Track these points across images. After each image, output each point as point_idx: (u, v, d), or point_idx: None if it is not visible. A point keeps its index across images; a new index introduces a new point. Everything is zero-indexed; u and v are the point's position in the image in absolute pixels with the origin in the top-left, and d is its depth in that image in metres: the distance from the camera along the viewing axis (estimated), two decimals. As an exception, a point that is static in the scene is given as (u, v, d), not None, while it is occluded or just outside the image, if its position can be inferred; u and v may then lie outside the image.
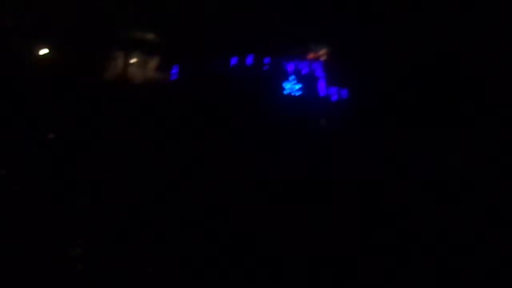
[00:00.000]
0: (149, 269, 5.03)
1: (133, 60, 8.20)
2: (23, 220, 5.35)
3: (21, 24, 7.22)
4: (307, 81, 8.11)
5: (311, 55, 8.21)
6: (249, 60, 8.12)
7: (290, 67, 8.14)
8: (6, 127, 6.47)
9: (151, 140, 7.43)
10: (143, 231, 5.68)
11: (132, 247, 5.35)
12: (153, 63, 8.29)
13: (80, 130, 7.15)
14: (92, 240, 5.33)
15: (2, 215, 5.32)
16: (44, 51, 7.39)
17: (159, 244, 5.48)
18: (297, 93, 8.09)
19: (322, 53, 8.18)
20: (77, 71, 7.54)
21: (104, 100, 7.59)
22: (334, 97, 8.08)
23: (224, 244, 5.45)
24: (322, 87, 8.11)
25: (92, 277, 4.82)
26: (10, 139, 6.33)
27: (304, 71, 8.15)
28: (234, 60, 8.17)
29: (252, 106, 7.74)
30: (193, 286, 4.95)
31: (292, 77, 8.12)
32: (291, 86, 8.10)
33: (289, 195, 6.83)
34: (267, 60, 8.19)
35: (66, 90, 7.43)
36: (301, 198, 6.72)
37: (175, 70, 8.29)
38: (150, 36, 8.33)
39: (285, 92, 8.09)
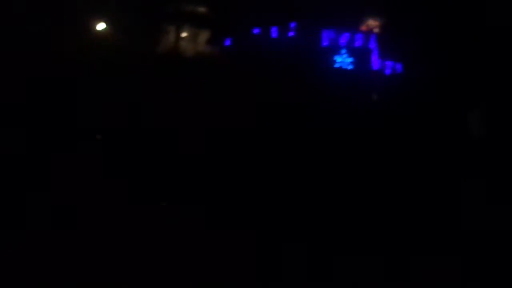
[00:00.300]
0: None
1: (184, 34, 8.26)
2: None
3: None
4: (359, 54, 7.85)
5: (363, 27, 7.91)
6: (300, 32, 7.95)
7: (342, 39, 7.89)
8: (63, 101, 6.80)
9: (203, 114, 7.56)
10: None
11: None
12: (204, 36, 8.32)
13: (133, 106, 7.38)
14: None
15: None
16: (99, 26, 7.62)
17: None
18: (349, 67, 7.86)
19: (375, 25, 7.86)
20: (130, 45, 7.71)
21: (157, 74, 7.76)
22: (388, 71, 7.79)
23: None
24: (375, 60, 7.83)
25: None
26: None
27: (356, 44, 7.88)
28: (285, 31, 8.04)
29: (303, 79, 7.63)
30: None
31: (343, 50, 7.89)
32: (343, 59, 7.88)
33: (336, 171, 6.78)
34: (318, 32, 7.97)
35: (120, 65, 7.65)
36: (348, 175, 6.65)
37: (226, 42, 8.28)
38: (200, 9, 8.34)
39: (336, 65, 7.89)
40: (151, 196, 5.88)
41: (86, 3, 7.71)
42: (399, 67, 7.73)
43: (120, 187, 5.92)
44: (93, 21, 7.78)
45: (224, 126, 7.55)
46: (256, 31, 8.30)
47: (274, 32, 8.22)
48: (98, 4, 7.84)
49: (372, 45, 7.85)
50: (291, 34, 8.10)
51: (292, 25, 8.12)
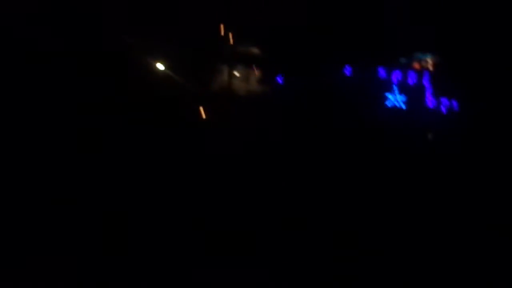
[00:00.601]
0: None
1: (237, 73, 8.50)
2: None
3: (139, 41, 7.84)
4: (412, 92, 7.80)
5: (416, 65, 7.90)
6: (352, 69, 8.02)
7: (394, 77, 7.89)
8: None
9: (255, 150, 7.66)
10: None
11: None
12: (256, 75, 8.52)
13: (186, 138, 7.58)
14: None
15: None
16: (158, 65, 7.95)
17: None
18: (401, 105, 7.81)
19: (429, 63, 7.83)
20: (186, 83, 7.99)
21: (210, 111, 7.98)
22: (442, 110, 7.69)
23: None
24: (428, 98, 7.75)
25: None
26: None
27: (409, 82, 7.85)
28: (337, 70, 8.13)
29: (355, 117, 7.63)
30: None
31: (395, 88, 7.86)
32: (395, 97, 7.84)
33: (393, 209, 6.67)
34: (370, 69, 8.02)
35: (174, 101, 7.92)
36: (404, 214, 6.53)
37: (277, 81, 8.43)
38: (253, 50, 8.59)
39: (388, 103, 7.85)
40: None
41: (145, 43, 8.12)
42: (455, 104, 7.61)
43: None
44: (152, 61, 8.13)
45: (277, 163, 7.63)
46: (307, 70, 8.43)
47: (326, 70, 8.32)
48: (156, 44, 8.23)
49: (426, 82, 7.79)
50: (343, 72, 8.17)
51: (345, 63, 8.21)
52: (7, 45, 7.08)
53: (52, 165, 6.75)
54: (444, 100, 7.66)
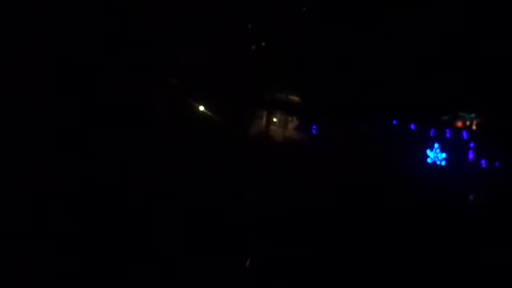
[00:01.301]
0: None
1: (275, 119, 8.56)
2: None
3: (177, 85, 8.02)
4: (454, 150, 7.72)
5: (459, 124, 7.85)
6: (393, 125, 8.00)
7: (435, 134, 7.83)
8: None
9: (288, 198, 7.59)
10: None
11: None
12: (294, 123, 8.57)
13: (223, 182, 7.57)
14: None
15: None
16: (200, 108, 8.07)
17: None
18: (442, 162, 7.71)
19: (473, 122, 7.78)
20: (224, 127, 8.07)
21: (246, 156, 8.00)
22: (483, 168, 7.56)
23: None
24: (469, 157, 7.65)
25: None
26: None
27: (451, 139, 7.78)
28: (376, 124, 8.12)
29: (395, 173, 7.54)
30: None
31: (436, 145, 7.79)
32: (436, 154, 7.75)
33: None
34: (411, 125, 7.99)
35: (213, 144, 7.98)
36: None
37: (314, 131, 8.45)
38: (292, 97, 8.68)
39: (429, 160, 7.76)
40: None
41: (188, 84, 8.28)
42: (496, 165, 7.49)
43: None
44: (193, 102, 8.27)
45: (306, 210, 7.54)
46: (343, 121, 8.45)
47: (364, 123, 8.32)
48: (197, 88, 8.39)
49: (467, 140, 7.72)
50: (383, 125, 8.16)
51: (385, 117, 8.21)
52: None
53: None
54: (485, 161, 7.53)
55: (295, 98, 8.68)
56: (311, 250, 6.61)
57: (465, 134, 7.74)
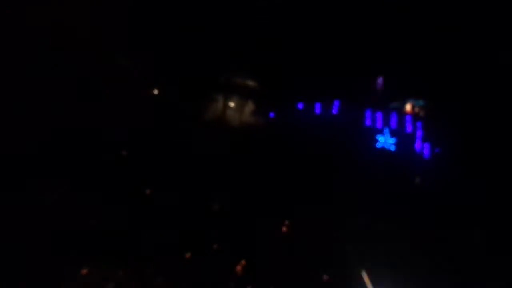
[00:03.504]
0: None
1: (232, 104, 8.59)
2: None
3: (136, 68, 7.89)
4: (402, 136, 8.00)
5: (409, 111, 8.13)
6: (344, 109, 8.21)
7: (386, 120, 8.09)
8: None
9: (244, 180, 7.69)
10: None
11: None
12: (250, 107, 8.63)
13: (178, 166, 7.57)
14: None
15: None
16: (154, 92, 7.99)
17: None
18: (391, 147, 7.99)
19: (421, 109, 8.07)
20: (181, 111, 8.05)
21: (204, 140, 8.01)
22: (429, 154, 7.89)
23: None
24: (417, 143, 7.96)
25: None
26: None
27: (400, 126, 8.06)
28: (330, 108, 8.30)
29: (345, 156, 7.76)
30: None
31: (386, 131, 8.05)
32: (385, 140, 8.02)
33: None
34: (364, 111, 8.21)
35: (169, 128, 7.94)
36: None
37: (271, 115, 8.54)
38: (249, 82, 8.71)
39: (378, 145, 8.02)
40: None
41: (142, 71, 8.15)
42: (439, 150, 7.84)
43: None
44: (149, 87, 8.18)
45: (262, 193, 7.68)
46: (300, 106, 8.57)
47: (318, 108, 8.48)
48: (153, 70, 8.28)
49: (415, 127, 8.02)
50: (334, 111, 8.33)
51: (336, 103, 8.38)
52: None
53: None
54: (431, 144, 7.86)
55: (252, 83, 8.71)
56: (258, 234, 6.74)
57: (413, 121, 8.02)
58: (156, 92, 8.09)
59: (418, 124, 8.06)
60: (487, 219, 7.05)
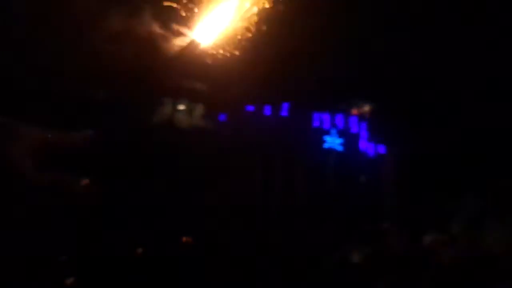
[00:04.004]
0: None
1: (180, 107, 8.53)
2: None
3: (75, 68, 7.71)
4: (349, 136, 8.21)
5: (355, 111, 8.34)
6: (293, 111, 8.34)
7: (333, 121, 8.28)
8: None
9: (193, 184, 7.68)
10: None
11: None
12: (199, 110, 8.60)
13: (127, 172, 7.47)
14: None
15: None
16: (96, 93, 7.81)
17: None
18: (338, 148, 8.19)
19: (366, 109, 8.30)
20: (127, 114, 7.93)
21: (151, 144, 7.93)
22: (374, 153, 8.14)
23: None
24: (363, 143, 8.19)
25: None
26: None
27: (347, 126, 8.27)
28: (278, 110, 8.41)
29: (293, 156, 7.91)
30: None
31: (334, 131, 8.24)
32: (332, 140, 8.21)
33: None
34: (311, 112, 8.37)
35: (114, 132, 7.81)
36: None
37: (220, 118, 8.56)
38: (197, 85, 8.67)
39: (326, 146, 8.21)
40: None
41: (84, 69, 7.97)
42: (383, 148, 8.10)
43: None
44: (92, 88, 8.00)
45: (213, 199, 7.70)
46: (249, 108, 8.63)
47: (267, 110, 8.57)
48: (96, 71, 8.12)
49: (361, 127, 8.25)
50: (283, 113, 8.45)
51: (285, 105, 8.50)
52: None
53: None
54: (375, 146, 8.11)
55: (199, 85, 8.68)
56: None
57: (359, 121, 8.24)
58: (102, 95, 7.93)
59: (364, 124, 8.28)
60: (431, 216, 7.34)
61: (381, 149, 8.08)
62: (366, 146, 8.17)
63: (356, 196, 7.65)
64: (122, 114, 7.93)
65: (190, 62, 8.51)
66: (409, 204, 7.40)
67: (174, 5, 8.22)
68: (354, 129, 8.30)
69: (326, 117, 8.37)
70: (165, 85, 8.49)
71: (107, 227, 6.76)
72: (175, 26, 8.38)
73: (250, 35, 8.39)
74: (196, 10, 8.20)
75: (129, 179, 7.53)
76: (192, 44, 8.52)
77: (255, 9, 8.29)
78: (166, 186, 7.40)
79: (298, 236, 7.08)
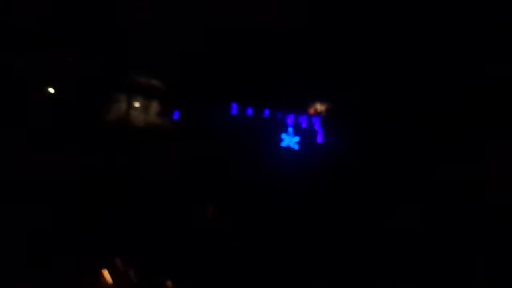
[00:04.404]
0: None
1: (136, 104, 8.36)
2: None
3: (30, 63, 7.40)
4: (305, 134, 8.33)
5: (310, 110, 8.48)
6: (250, 110, 8.36)
7: (290, 120, 8.37)
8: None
9: (150, 183, 7.55)
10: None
11: None
12: (155, 107, 8.46)
13: (83, 171, 7.25)
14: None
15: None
16: (50, 91, 7.53)
17: None
18: (295, 145, 8.29)
19: (321, 108, 8.45)
20: (81, 112, 7.68)
21: (106, 142, 7.72)
22: (330, 150, 8.30)
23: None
24: (319, 140, 8.33)
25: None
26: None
27: (303, 125, 8.38)
28: (234, 109, 8.40)
29: (250, 155, 7.93)
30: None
31: (290, 130, 8.33)
32: (289, 138, 8.30)
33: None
34: (267, 111, 8.42)
35: (69, 130, 7.55)
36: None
37: (176, 115, 8.45)
38: (153, 81, 8.53)
39: (283, 144, 8.28)
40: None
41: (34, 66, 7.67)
42: (339, 145, 8.28)
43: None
44: (44, 86, 7.69)
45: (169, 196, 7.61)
46: (203, 106, 8.58)
47: (221, 109, 8.55)
48: (49, 69, 7.83)
49: (317, 125, 8.39)
50: (237, 112, 8.47)
51: (240, 103, 8.52)
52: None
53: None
54: (330, 143, 8.29)
55: (154, 82, 8.54)
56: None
57: (315, 120, 8.37)
58: (52, 91, 7.63)
59: (319, 121, 8.42)
60: (385, 211, 7.58)
61: (336, 145, 8.24)
62: (321, 143, 8.31)
63: (313, 192, 7.74)
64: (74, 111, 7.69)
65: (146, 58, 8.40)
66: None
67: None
68: (310, 127, 8.41)
69: (283, 115, 8.45)
70: (119, 80, 8.31)
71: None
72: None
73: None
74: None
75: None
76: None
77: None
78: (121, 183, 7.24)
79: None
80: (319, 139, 8.32)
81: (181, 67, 8.46)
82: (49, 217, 6.55)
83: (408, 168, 7.81)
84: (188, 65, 8.40)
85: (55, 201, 6.87)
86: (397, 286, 6.69)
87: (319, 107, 8.43)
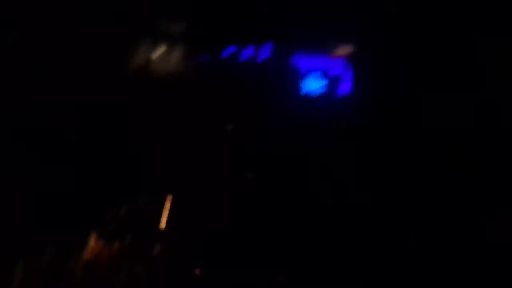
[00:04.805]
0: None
1: (157, 51, 8.29)
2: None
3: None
4: (329, 80, 7.82)
5: (334, 53, 7.88)
6: (268, 52, 7.97)
7: (312, 64, 7.87)
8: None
9: (171, 134, 7.63)
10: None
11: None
12: (176, 54, 8.34)
13: (102, 122, 7.46)
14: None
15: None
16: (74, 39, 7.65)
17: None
18: (317, 92, 7.83)
19: (346, 51, 7.82)
20: (102, 62, 7.77)
21: (128, 90, 7.81)
22: (356, 97, 7.76)
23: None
24: (344, 86, 7.79)
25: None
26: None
27: (326, 69, 7.85)
28: (253, 53, 8.08)
29: (268, 102, 7.66)
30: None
31: (312, 75, 7.86)
32: (311, 84, 7.85)
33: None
34: (291, 55, 7.98)
35: (92, 79, 7.71)
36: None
37: (197, 61, 8.29)
38: (175, 26, 8.35)
39: (303, 90, 7.87)
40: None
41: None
42: (366, 93, 7.70)
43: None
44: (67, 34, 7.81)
45: (192, 145, 7.66)
46: (230, 50, 8.31)
47: (248, 52, 8.23)
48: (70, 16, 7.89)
49: (342, 71, 7.82)
50: (264, 55, 8.10)
51: (266, 46, 8.12)
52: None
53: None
54: (356, 89, 7.72)
55: (178, 26, 8.36)
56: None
57: (339, 63, 7.81)
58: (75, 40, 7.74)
59: (347, 66, 7.84)
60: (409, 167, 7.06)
61: (361, 93, 7.67)
62: (347, 90, 7.76)
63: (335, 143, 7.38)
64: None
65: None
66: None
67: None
68: (337, 71, 7.87)
69: (309, 59, 7.96)
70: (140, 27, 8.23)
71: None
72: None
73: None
74: None
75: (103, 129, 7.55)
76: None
77: None
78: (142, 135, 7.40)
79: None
80: (344, 85, 7.77)
81: (201, 10, 8.19)
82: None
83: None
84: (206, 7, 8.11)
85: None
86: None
87: (343, 50, 7.80)
